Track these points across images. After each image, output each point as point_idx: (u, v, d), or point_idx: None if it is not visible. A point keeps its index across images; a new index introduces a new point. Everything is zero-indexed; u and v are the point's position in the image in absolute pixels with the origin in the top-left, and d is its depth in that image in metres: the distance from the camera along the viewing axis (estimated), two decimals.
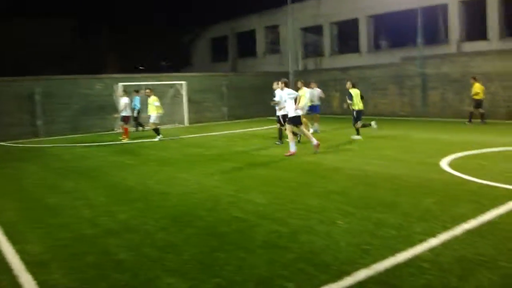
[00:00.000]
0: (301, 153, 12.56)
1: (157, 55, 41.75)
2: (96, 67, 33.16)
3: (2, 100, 20.94)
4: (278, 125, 14.73)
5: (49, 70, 28.37)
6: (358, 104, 15.59)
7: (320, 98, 18.88)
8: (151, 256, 5.21)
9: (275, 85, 14.34)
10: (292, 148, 12.32)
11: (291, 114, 12.41)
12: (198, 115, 26.74)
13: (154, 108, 17.67)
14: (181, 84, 25.84)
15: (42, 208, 7.79)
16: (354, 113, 15.54)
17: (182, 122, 25.68)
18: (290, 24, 31.32)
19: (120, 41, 39.78)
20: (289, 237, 5.66)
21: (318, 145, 12.58)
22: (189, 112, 26.10)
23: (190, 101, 26.14)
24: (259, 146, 14.71)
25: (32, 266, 5.05)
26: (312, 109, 17.66)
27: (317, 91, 18.57)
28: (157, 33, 40.73)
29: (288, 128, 12.47)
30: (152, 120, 17.71)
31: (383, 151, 12.71)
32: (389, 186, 8.24)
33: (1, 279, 4.83)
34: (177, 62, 40.81)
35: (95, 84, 23.76)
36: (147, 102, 18.06)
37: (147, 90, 18.29)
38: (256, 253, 5.15)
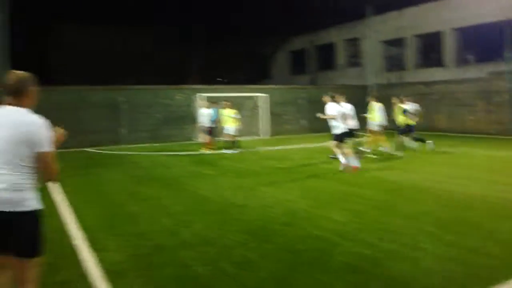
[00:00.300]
0: (379, 169, 12.14)
1: (237, 66, 42.21)
2: (177, 77, 33.95)
3: (86, 107, 21.83)
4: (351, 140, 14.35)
5: (131, 79, 29.45)
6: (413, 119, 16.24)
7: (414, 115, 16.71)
8: (227, 271, 5.09)
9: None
10: (353, 162, 12.15)
11: (338, 130, 12.57)
12: (278, 128, 26.70)
13: (231, 120, 17.78)
14: (258, 96, 26.00)
15: (122, 215, 7.91)
16: (407, 127, 15.96)
17: (259, 134, 25.74)
18: (371, 36, 30.66)
19: (201, 52, 40.61)
20: (372, 260, 5.32)
21: (345, 166, 12.25)
22: (269, 124, 26.19)
23: (270, 113, 26.22)
24: (337, 161, 14.31)
25: (110, 274, 5.05)
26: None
27: (413, 106, 16.74)
28: (239, 45, 41.22)
29: (339, 145, 12.53)
30: (229, 132, 17.81)
31: (470, 170, 11.96)
32: (480, 209, 7.65)
33: (79, 286, 4.86)
34: (256, 75, 41.03)
35: (175, 94, 24.36)
36: (223, 114, 18.22)
37: (225, 102, 18.45)
38: (337, 276, 4.88)
